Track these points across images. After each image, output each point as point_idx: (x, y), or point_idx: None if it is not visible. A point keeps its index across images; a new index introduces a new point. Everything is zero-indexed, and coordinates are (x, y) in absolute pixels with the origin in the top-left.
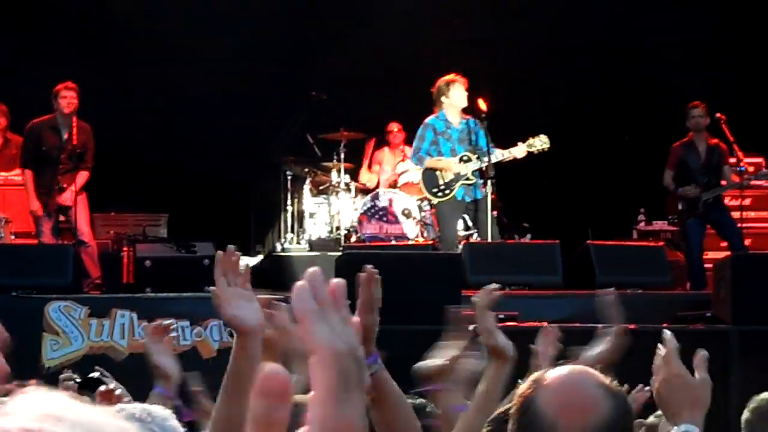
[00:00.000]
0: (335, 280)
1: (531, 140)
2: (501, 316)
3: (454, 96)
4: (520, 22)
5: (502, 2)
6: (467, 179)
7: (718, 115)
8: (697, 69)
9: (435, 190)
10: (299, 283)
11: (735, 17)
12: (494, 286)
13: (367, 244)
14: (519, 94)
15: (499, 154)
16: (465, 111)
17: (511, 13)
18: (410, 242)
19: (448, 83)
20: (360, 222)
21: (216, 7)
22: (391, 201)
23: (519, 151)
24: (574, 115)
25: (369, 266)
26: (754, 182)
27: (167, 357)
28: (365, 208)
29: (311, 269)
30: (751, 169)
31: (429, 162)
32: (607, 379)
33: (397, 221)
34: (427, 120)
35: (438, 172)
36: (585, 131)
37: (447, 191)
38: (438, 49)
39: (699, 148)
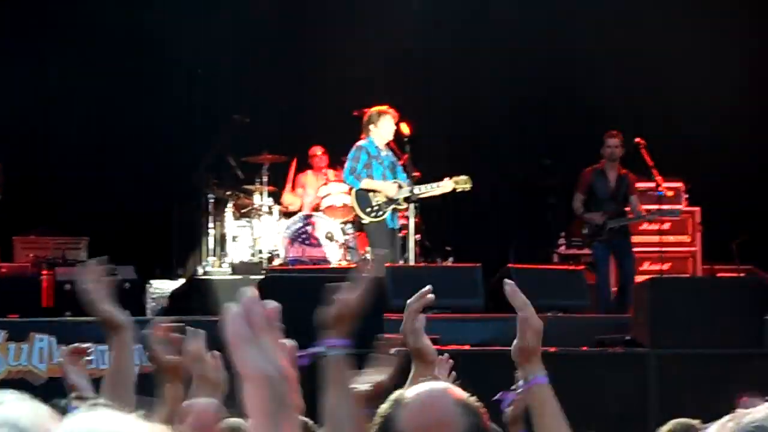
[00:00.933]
0: (270, 303)
1: (456, 178)
2: None
3: (383, 127)
4: (440, 49)
5: (423, 32)
6: (398, 204)
7: (637, 140)
8: (620, 94)
9: (368, 210)
10: (232, 308)
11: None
12: (428, 287)
13: (290, 267)
14: (439, 116)
15: (427, 187)
16: (389, 143)
17: (430, 41)
18: (333, 266)
19: (380, 114)
20: (283, 245)
21: None
22: (314, 224)
23: (446, 185)
24: (496, 139)
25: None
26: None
27: (83, 379)
28: (288, 231)
29: (247, 291)
30: (670, 193)
31: (365, 183)
32: (465, 397)
33: (319, 244)
34: (360, 143)
35: (371, 194)
36: (506, 155)
37: (380, 213)
38: (362, 76)
39: (609, 176)
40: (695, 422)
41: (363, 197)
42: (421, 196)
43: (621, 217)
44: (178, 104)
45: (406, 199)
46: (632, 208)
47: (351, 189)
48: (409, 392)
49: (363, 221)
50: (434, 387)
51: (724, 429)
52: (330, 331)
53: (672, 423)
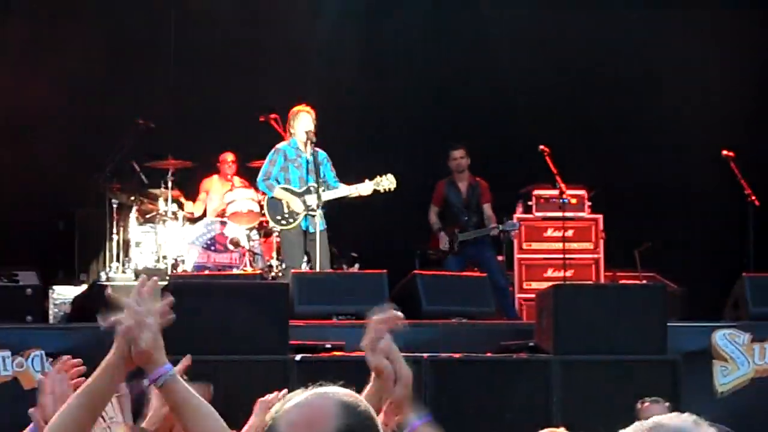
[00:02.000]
0: None
1: (378, 179)
2: (328, 346)
3: (298, 126)
4: (354, 57)
5: (338, 34)
6: (312, 210)
7: (541, 147)
8: (526, 97)
9: (279, 218)
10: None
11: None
12: (398, 314)
13: (195, 273)
14: (354, 124)
15: (345, 190)
16: (313, 143)
17: (336, 37)
18: (238, 272)
19: (296, 113)
20: (188, 251)
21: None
22: (219, 230)
23: (365, 188)
24: (406, 142)
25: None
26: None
27: None
28: (193, 237)
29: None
30: (573, 201)
31: (276, 191)
32: (349, 397)
33: (225, 250)
34: (279, 145)
35: (283, 201)
36: (415, 161)
37: (291, 220)
38: (279, 80)
39: (461, 186)
40: (562, 430)
41: (274, 205)
42: (338, 197)
43: (474, 228)
44: (82, 107)
45: (323, 205)
46: (485, 216)
47: (262, 194)
48: (294, 396)
49: (274, 229)
50: (322, 388)
51: None
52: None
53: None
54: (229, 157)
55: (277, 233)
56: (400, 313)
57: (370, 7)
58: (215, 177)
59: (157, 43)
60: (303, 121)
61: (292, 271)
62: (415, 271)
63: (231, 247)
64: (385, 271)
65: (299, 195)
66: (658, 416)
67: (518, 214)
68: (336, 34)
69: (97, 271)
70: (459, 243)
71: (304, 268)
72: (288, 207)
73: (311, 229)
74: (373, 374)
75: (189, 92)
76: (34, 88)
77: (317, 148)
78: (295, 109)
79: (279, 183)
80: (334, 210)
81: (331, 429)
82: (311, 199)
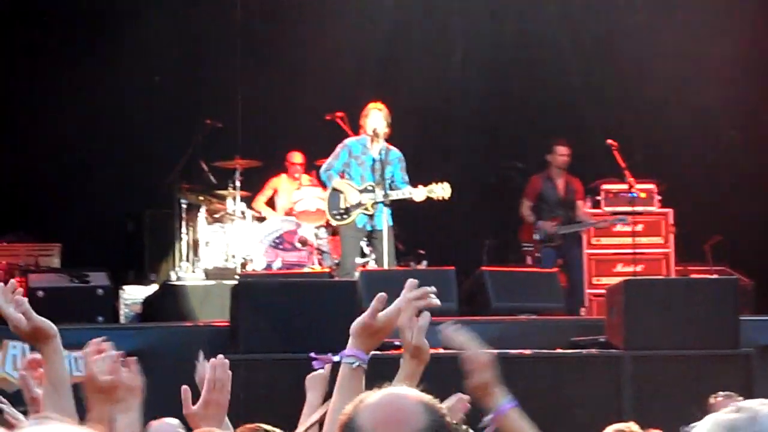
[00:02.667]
0: None
1: (432, 186)
2: (397, 343)
3: (367, 123)
4: (411, 52)
5: (393, 35)
6: (365, 209)
7: (609, 141)
8: (593, 95)
9: (335, 212)
10: None
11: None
12: (432, 288)
13: (264, 272)
14: (410, 119)
15: (399, 193)
16: (388, 140)
17: (400, 44)
18: (307, 270)
19: (367, 110)
20: (256, 250)
21: None
22: (287, 229)
23: (418, 194)
24: (467, 141)
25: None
26: (637, 210)
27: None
28: (262, 236)
29: None
30: (643, 195)
31: (336, 182)
32: (425, 396)
33: (293, 249)
34: (347, 140)
35: (342, 195)
36: (478, 158)
37: (346, 216)
38: (336, 80)
39: (558, 183)
40: (632, 425)
41: (333, 198)
42: (392, 198)
43: (571, 223)
44: (150, 108)
45: (380, 205)
46: (579, 214)
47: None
48: (371, 394)
49: (331, 223)
50: (394, 389)
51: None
52: (354, 341)
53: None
54: (297, 157)
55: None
56: (431, 288)
57: (437, 6)
58: (283, 176)
59: (223, 41)
60: (373, 118)
61: (360, 268)
62: (483, 267)
63: (299, 245)
64: (452, 267)
65: (357, 192)
66: (745, 403)
67: (587, 208)
68: (403, 34)
69: (167, 271)
70: (559, 236)
71: (357, 264)
72: (345, 201)
73: (368, 227)
74: (407, 356)
75: (256, 92)
76: (104, 89)
77: (392, 147)
78: (369, 106)
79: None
80: (400, 207)
81: (418, 427)
82: (367, 198)
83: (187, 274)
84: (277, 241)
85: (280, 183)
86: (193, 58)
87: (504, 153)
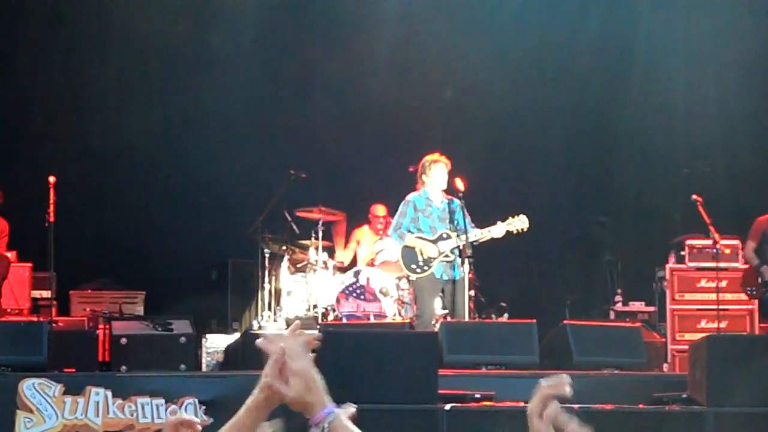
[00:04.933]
0: None
1: (510, 219)
2: (477, 396)
3: (434, 176)
4: (494, 102)
5: (483, 80)
6: (446, 257)
7: (694, 197)
8: (677, 153)
9: (413, 266)
10: None
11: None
12: (568, 379)
13: (345, 322)
14: (497, 170)
15: (477, 233)
16: (445, 191)
17: (485, 94)
18: (387, 320)
19: (431, 163)
20: (338, 300)
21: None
22: (368, 279)
23: (498, 230)
24: (551, 194)
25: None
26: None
27: None
28: (343, 286)
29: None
30: (727, 251)
31: (408, 239)
32: None
33: (374, 299)
34: (409, 197)
35: (417, 249)
36: (561, 211)
37: (426, 268)
38: (418, 128)
39: None
40: None
41: (408, 253)
42: (473, 241)
43: None
44: (236, 160)
45: (456, 251)
46: None
47: None
48: None
49: (410, 278)
50: None
51: None
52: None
53: None
54: (380, 210)
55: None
56: (568, 377)
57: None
58: (366, 227)
59: (307, 93)
60: (437, 171)
61: (440, 319)
62: (566, 321)
63: (380, 296)
64: (534, 320)
65: (432, 242)
66: None
67: (671, 264)
68: (485, 87)
69: (249, 319)
70: None
71: (437, 315)
72: (422, 254)
73: (444, 277)
74: None
75: (340, 143)
76: (190, 133)
77: (450, 196)
78: (429, 158)
79: (411, 233)
80: (482, 258)
81: None
82: (445, 246)
83: (268, 323)
84: (358, 291)
85: (362, 234)
86: (278, 105)
87: (587, 207)
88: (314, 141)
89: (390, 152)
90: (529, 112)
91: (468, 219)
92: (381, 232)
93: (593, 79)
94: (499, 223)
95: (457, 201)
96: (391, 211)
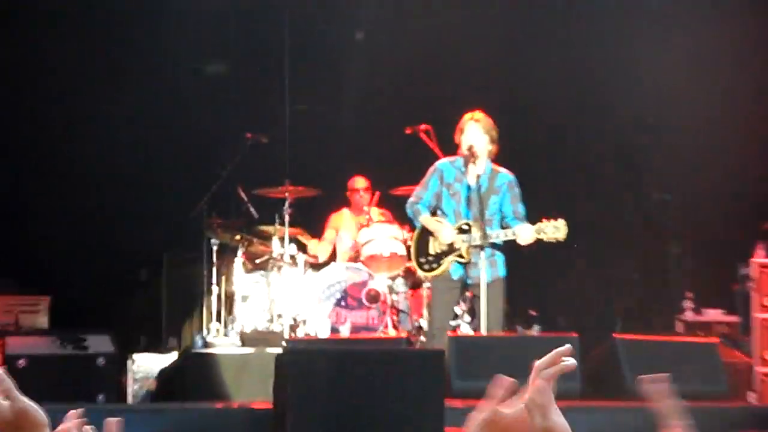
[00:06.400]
0: None
1: (543, 224)
2: None
3: (462, 140)
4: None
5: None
6: (459, 256)
7: None
8: None
9: (422, 260)
10: None
11: None
12: (568, 347)
13: (320, 337)
14: (533, 143)
15: (501, 234)
16: (496, 161)
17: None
18: (377, 335)
19: (464, 122)
20: (311, 307)
21: None
22: (352, 280)
23: (524, 234)
24: (600, 167)
25: None
26: None
27: None
28: (318, 288)
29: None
30: None
31: (425, 219)
32: None
33: (360, 307)
34: (438, 163)
35: (431, 237)
36: (612, 187)
37: (435, 264)
38: (420, 84)
39: None
40: None
41: (422, 240)
42: (492, 241)
43: None
44: (171, 120)
45: (478, 250)
46: None
47: (410, 230)
48: None
49: (419, 274)
50: None
51: None
52: None
53: None
54: (360, 182)
55: (429, 284)
56: (566, 347)
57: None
58: (345, 211)
59: (270, 43)
60: (469, 133)
61: (449, 333)
62: (617, 335)
63: (367, 302)
64: (575, 334)
65: (452, 232)
66: None
67: (759, 258)
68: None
69: (190, 334)
70: None
71: (450, 328)
72: (435, 245)
73: (466, 279)
74: None
75: (311, 102)
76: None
77: (501, 169)
78: (465, 116)
79: (432, 214)
80: (503, 249)
81: None
82: (461, 241)
83: (217, 338)
84: (338, 296)
85: (342, 220)
86: (232, 56)
87: (646, 183)
88: (278, 96)
89: (384, 111)
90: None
91: (515, 205)
92: (366, 215)
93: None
94: (526, 225)
95: (507, 175)
96: (381, 184)
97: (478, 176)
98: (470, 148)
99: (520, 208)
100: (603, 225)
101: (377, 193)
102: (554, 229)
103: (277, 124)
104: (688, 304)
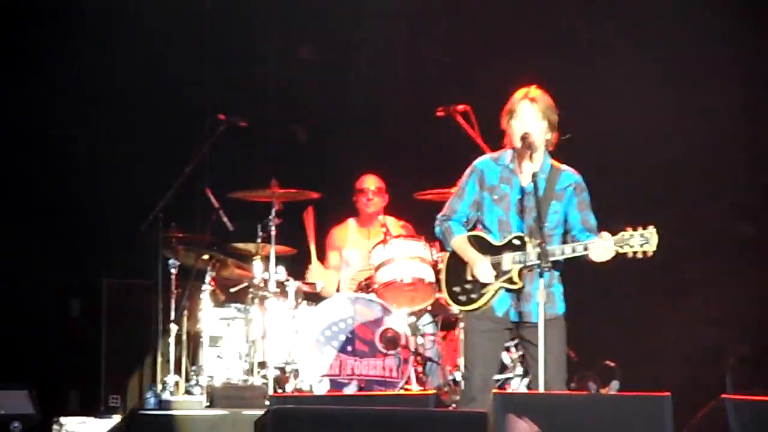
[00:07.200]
0: None
1: (626, 234)
2: None
3: (514, 126)
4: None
5: None
6: (511, 282)
7: None
8: None
9: (456, 289)
10: None
11: None
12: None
13: (316, 394)
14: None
15: (567, 250)
16: (554, 155)
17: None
18: (397, 391)
19: (514, 103)
20: (305, 354)
21: None
22: (360, 317)
23: (600, 249)
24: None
25: None
26: None
27: None
28: (316, 328)
29: None
30: None
31: (458, 241)
32: None
33: (373, 353)
34: (477, 162)
35: (467, 261)
36: (704, 203)
37: (474, 296)
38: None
39: None
40: None
41: (455, 266)
42: (555, 259)
43: None
44: (114, 101)
45: (530, 269)
46: None
47: (442, 250)
48: None
49: (452, 310)
50: None
51: None
52: None
53: None
54: (371, 181)
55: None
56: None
57: None
58: (351, 222)
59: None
60: (522, 116)
61: (494, 390)
62: (725, 396)
63: (383, 347)
64: (667, 394)
65: (495, 252)
66: None
67: None
68: None
69: (138, 389)
70: None
71: (494, 383)
72: (472, 272)
73: (513, 316)
74: None
75: (303, 80)
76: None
77: (564, 167)
78: (517, 94)
79: (472, 229)
80: (571, 280)
81: None
82: (510, 261)
83: (177, 396)
84: (343, 337)
85: (347, 234)
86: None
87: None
88: (257, 67)
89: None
90: None
91: (585, 216)
92: (382, 226)
93: None
94: (605, 236)
95: (572, 175)
96: (400, 187)
97: (534, 175)
98: (525, 137)
99: (591, 218)
100: (705, 246)
101: (386, 198)
102: (642, 240)
103: (260, 100)
104: None
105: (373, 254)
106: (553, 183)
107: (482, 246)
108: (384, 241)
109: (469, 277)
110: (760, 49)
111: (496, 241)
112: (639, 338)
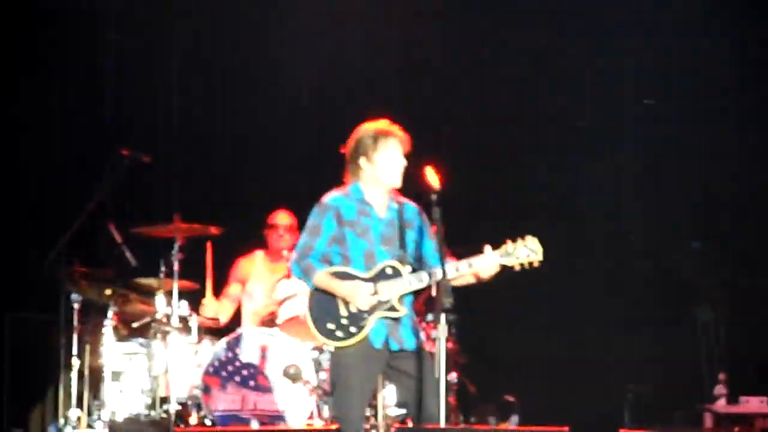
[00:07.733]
0: None
1: (509, 246)
2: None
3: (383, 161)
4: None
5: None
6: (391, 308)
7: None
8: None
9: (331, 326)
10: None
11: None
12: None
13: (218, 429)
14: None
15: (453, 269)
16: (401, 190)
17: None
18: (298, 427)
19: (377, 136)
20: (206, 389)
21: None
22: (263, 351)
23: (486, 263)
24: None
25: None
26: None
27: None
28: (216, 362)
29: None
30: None
31: (321, 277)
32: None
33: (269, 389)
34: (326, 199)
35: (337, 297)
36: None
37: (353, 330)
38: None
39: None
40: None
41: (322, 304)
42: (450, 281)
43: None
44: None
45: (411, 298)
46: None
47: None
48: None
49: (326, 347)
50: None
51: None
52: None
53: None
54: (283, 218)
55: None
56: None
57: None
58: (259, 254)
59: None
60: (389, 153)
61: (395, 425)
62: (623, 430)
63: (283, 381)
64: (565, 428)
65: (366, 282)
66: None
67: None
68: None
69: (41, 424)
70: None
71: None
72: (347, 307)
73: (392, 346)
74: None
75: (211, 112)
76: None
77: (402, 198)
78: (372, 128)
79: (330, 264)
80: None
81: None
82: (388, 288)
83: (79, 430)
84: (244, 371)
85: (253, 268)
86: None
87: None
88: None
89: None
90: None
91: (435, 240)
92: (287, 261)
93: None
94: (487, 249)
95: (412, 206)
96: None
97: (388, 206)
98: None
99: (437, 244)
100: (608, 280)
101: (298, 235)
102: (527, 251)
103: (164, 137)
104: (720, 389)
105: (278, 289)
106: (402, 213)
107: (350, 280)
108: (288, 276)
109: (344, 312)
110: None
111: (363, 274)
112: (543, 374)
